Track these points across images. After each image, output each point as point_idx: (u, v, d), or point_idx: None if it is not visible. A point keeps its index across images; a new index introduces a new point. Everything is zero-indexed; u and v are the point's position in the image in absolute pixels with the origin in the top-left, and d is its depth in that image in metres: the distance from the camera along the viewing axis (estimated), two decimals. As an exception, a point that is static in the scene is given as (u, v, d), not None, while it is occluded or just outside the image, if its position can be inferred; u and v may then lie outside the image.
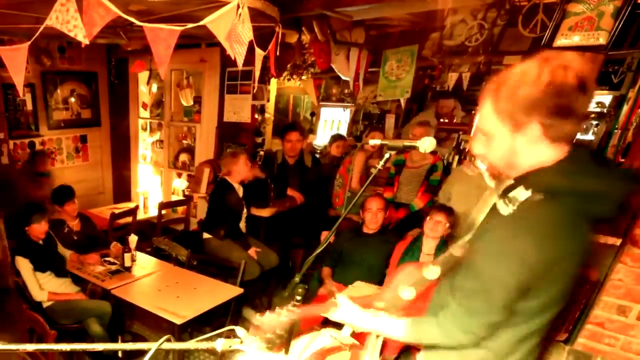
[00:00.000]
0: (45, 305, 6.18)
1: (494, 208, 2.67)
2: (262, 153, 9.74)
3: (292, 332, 2.81)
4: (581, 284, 3.79)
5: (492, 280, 2.45)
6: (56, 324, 6.01)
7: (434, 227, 5.70)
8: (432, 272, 2.89)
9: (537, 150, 2.41)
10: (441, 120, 8.84)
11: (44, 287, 6.22)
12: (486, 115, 2.48)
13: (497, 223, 2.51)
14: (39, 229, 6.31)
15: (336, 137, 9.80)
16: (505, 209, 2.50)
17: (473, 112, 8.07)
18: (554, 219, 2.35)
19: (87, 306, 6.23)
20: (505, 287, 2.42)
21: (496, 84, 2.43)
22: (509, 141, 2.44)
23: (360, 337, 4.72)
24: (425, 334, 2.79)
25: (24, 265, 6.12)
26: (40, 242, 6.30)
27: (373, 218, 6.27)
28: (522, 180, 2.50)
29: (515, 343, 2.71)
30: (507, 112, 2.38)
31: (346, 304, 3.04)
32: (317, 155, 9.39)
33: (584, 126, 2.53)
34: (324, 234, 7.36)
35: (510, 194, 2.50)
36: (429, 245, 5.79)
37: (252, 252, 7.28)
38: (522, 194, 2.45)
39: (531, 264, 2.35)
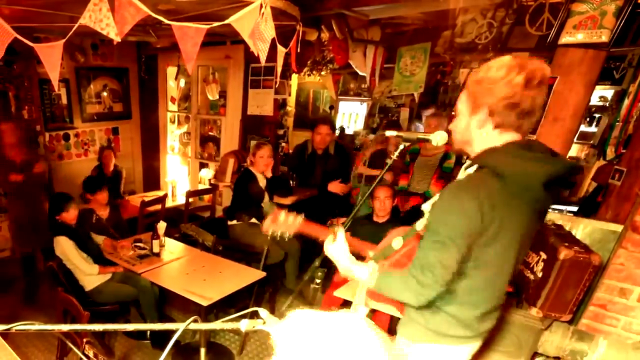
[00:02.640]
0: (90, 288, 6.22)
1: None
2: (284, 145, 9.77)
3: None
4: (582, 268, 3.81)
5: (445, 230, 2.60)
6: (100, 304, 6.14)
7: None
8: (420, 223, 3.02)
9: (485, 133, 2.69)
10: (453, 113, 8.84)
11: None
12: (461, 95, 2.81)
13: (448, 186, 2.66)
14: (68, 217, 6.36)
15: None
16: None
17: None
18: (487, 185, 2.58)
19: (131, 287, 6.30)
20: (455, 235, 2.59)
21: (474, 71, 2.74)
22: (466, 121, 2.74)
23: (376, 318, 4.76)
24: (386, 284, 2.90)
25: (67, 244, 6.11)
26: (74, 225, 6.34)
27: (382, 206, 6.30)
28: (475, 158, 2.75)
29: (463, 307, 2.91)
30: (470, 95, 2.69)
31: (341, 242, 3.13)
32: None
33: (535, 120, 2.54)
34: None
35: (467, 170, 2.74)
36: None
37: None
38: (471, 169, 2.62)
39: (470, 212, 2.54)
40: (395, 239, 3.22)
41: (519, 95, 2.47)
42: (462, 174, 2.79)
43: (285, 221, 3.42)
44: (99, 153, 10.33)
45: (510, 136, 2.64)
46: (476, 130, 2.70)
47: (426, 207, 2.91)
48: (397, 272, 2.89)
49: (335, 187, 8.07)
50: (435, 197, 2.83)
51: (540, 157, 2.61)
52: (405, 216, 6.86)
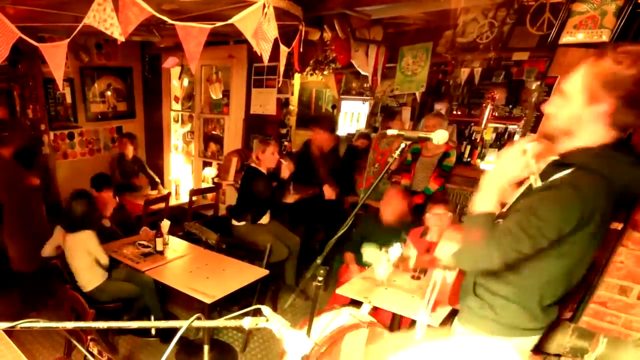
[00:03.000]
0: (89, 289, 6.21)
1: (542, 176, 2.79)
2: (287, 144, 9.79)
3: (315, 311, 2.85)
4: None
5: (545, 218, 2.59)
6: (102, 303, 6.14)
7: (437, 220, 5.69)
8: None
9: (596, 127, 2.59)
10: (454, 112, 8.85)
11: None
12: (575, 79, 2.63)
13: (552, 182, 2.64)
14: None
15: (363, 135, 9.92)
16: (554, 176, 2.68)
17: (483, 104, 8.07)
18: (594, 188, 2.52)
19: (133, 284, 6.31)
20: (551, 227, 2.58)
21: (597, 56, 2.56)
22: (579, 109, 2.60)
23: (378, 315, 4.76)
24: (464, 249, 2.96)
25: (91, 237, 6.15)
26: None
27: (392, 207, 6.27)
28: (571, 155, 2.69)
29: (536, 295, 2.92)
30: (591, 82, 2.53)
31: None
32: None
33: None
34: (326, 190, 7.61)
35: (551, 173, 2.68)
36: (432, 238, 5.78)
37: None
38: (558, 174, 2.60)
39: (571, 214, 2.53)
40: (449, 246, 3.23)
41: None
42: (548, 171, 2.75)
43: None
44: (118, 141, 10.62)
45: (612, 135, 2.60)
46: (588, 123, 2.62)
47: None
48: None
49: (327, 190, 8.12)
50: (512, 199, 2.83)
51: (635, 162, 2.60)
52: (414, 214, 6.86)
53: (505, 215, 2.88)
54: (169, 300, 7.08)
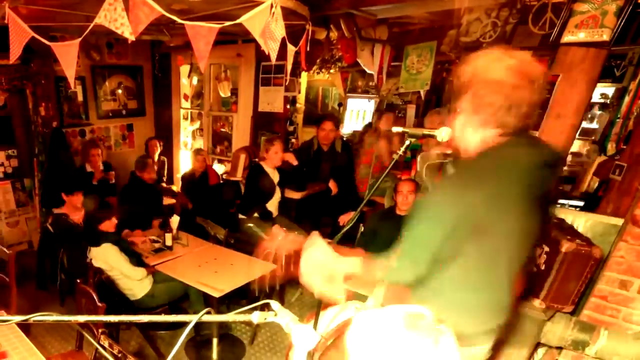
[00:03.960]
0: (140, 296, 6.15)
1: None
2: (294, 141, 9.80)
3: (321, 305, 2.87)
4: (584, 260, 3.83)
5: (417, 231, 2.74)
6: (153, 309, 6.15)
7: None
8: None
9: (484, 133, 2.64)
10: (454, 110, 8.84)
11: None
12: (464, 94, 2.67)
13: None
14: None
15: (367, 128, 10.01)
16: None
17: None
18: (460, 182, 2.63)
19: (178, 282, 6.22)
20: (425, 238, 2.69)
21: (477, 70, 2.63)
22: (461, 125, 2.71)
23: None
24: (374, 268, 3.00)
25: (112, 251, 5.99)
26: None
27: (404, 200, 6.28)
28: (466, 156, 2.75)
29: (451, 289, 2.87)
30: (474, 96, 2.59)
31: (319, 243, 3.12)
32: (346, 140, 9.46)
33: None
34: (341, 218, 7.60)
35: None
36: None
37: (275, 228, 7.31)
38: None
39: (443, 216, 2.57)
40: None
41: (519, 98, 2.43)
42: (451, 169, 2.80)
43: (283, 240, 3.39)
44: (145, 143, 10.61)
45: (503, 133, 2.60)
46: (474, 130, 2.66)
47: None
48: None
49: (332, 185, 8.19)
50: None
51: (527, 142, 2.64)
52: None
53: None
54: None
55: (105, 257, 6.01)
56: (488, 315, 2.97)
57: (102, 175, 8.89)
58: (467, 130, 2.67)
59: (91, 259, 6.12)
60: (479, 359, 3.12)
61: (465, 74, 2.61)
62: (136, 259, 6.29)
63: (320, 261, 3.10)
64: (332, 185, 8.14)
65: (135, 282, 6.08)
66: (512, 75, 2.44)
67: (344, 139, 9.44)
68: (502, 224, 2.61)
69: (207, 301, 5.94)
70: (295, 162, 7.68)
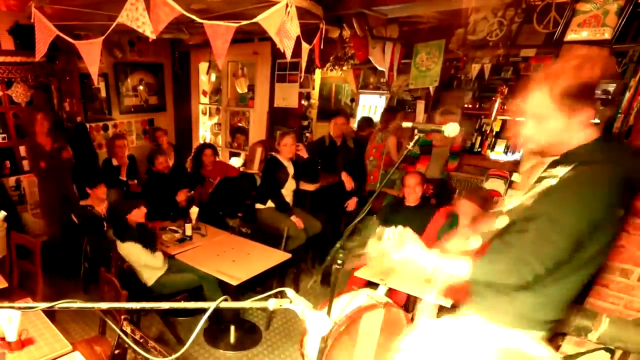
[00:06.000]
0: (151, 282, 6.12)
1: (537, 183, 2.74)
2: (308, 135, 9.81)
3: (334, 292, 2.86)
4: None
5: (569, 227, 2.50)
6: (167, 297, 6.10)
7: (465, 209, 5.70)
8: (502, 220, 2.90)
9: (585, 130, 2.57)
10: (465, 105, 8.85)
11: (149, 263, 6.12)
12: (539, 102, 2.58)
13: (550, 190, 2.58)
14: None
15: (366, 122, 10.19)
16: (550, 182, 2.60)
17: (493, 98, 8.06)
18: (597, 178, 2.46)
19: (192, 274, 6.21)
20: (576, 234, 2.50)
21: (550, 75, 2.53)
22: (564, 123, 2.56)
23: (393, 296, 4.77)
24: (495, 269, 2.75)
25: (134, 249, 5.98)
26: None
27: (411, 192, 6.35)
28: (566, 156, 2.64)
29: (561, 290, 2.81)
30: (564, 99, 2.49)
31: (411, 243, 3.02)
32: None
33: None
34: (348, 203, 8.02)
35: (553, 170, 2.63)
36: (462, 222, 5.80)
37: (294, 219, 7.39)
38: (561, 170, 2.56)
39: (596, 208, 2.46)
40: (473, 238, 3.15)
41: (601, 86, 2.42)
42: (550, 172, 2.71)
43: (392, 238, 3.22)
44: (150, 134, 10.82)
45: (595, 131, 2.59)
46: (577, 130, 2.59)
47: (507, 207, 2.87)
48: (498, 256, 2.80)
49: (346, 178, 8.18)
50: (515, 200, 2.78)
51: (630, 149, 2.62)
52: (432, 201, 6.87)
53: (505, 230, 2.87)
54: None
55: (128, 254, 6.04)
56: (561, 313, 2.94)
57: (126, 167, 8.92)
58: (573, 129, 2.59)
59: (116, 248, 6.15)
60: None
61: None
62: (153, 245, 6.30)
63: (413, 263, 2.99)
64: (345, 179, 8.14)
65: (146, 273, 6.10)
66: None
67: (355, 132, 9.45)
68: (612, 230, 2.62)
69: (224, 289, 5.96)
70: (305, 155, 7.71)
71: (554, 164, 2.71)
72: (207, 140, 12.11)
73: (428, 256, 2.92)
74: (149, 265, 6.04)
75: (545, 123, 2.62)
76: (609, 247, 2.71)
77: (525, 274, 2.61)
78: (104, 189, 7.18)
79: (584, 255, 2.64)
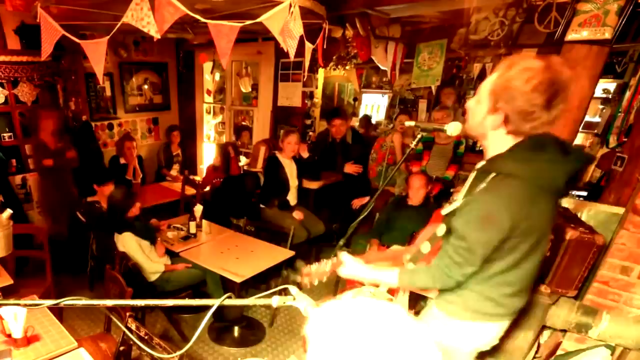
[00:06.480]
0: (153, 279, 6.12)
1: (471, 181, 2.87)
2: (311, 134, 9.83)
3: (337, 289, 2.90)
4: (587, 247, 3.84)
5: (474, 241, 2.66)
6: (170, 293, 6.09)
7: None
8: (440, 229, 3.05)
9: (498, 134, 2.67)
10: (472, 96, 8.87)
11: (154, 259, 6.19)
12: (486, 84, 2.66)
13: (473, 196, 2.70)
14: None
15: (365, 120, 10.38)
16: (479, 186, 2.69)
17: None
18: (512, 191, 2.58)
19: (196, 269, 6.22)
20: (484, 245, 2.66)
21: (507, 66, 2.54)
22: (482, 116, 2.66)
23: (394, 293, 4.80)
24: (417, 279, 3.02)
25: (130, 241, 6.03)
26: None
27: (415, 193, 6.42)
28: (490, 163, 2.75)
29: (495, 286, 2.93)
30: (494, 94, 2.56)
31: (349, 261, 3.24)
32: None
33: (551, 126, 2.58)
34: (355, 202, 7.92)
35: (481, 176, 2.76)
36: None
37: (295, 214, 7.45)
38: (485, 179, 2.65)
39: (501, 224, 2.57)
40: (423, 244, 3.28)
41: (538, 112, 2.42)
42: (477, 177, 2.77)
43: (317, 270, 3.47)
44: (166, 133, 10.78)
45: (518, 139, 2.65)
46: (489, 130, 2.68)
47: (445, 211, 2.95)
48: (421, 266, 3.07)
49: (349, 168, 8.19)
50: (457, 203, 2.84)
51: (554, 158, 2.61)
52: (434, 201, 6.88)
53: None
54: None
55: (124, 244, 6.04)
56: (514, 302, 3.05)
57: (135, 168, 8.94)
58: (486, 126, 2.68)
59: (117, 245, 6.16)
60: (494, 333, 3.21)
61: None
62: (152, 240, 6.37)
63: (357, 278, 3.25)
64: (349, 168, 8.17)
65: (148, 268, 6.08)
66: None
67: (355, 129, 9.45)
68: (541, 222, 2.69)
69: (227, 287, 5.98)
70: (305, 154, 7.75)
71: (481, 169, 2.84)
72: (212, 139, 12.19)
73: (364, 270, 3.21)
74: (148, 257, 6.08)
75: (477, 105, 2.72)
76: (538, 249, 2.81)
77: (447, 282, 2.88)
78: (112, 187, 7.18)
79: (504, 262, 2.80)
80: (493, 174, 2.62)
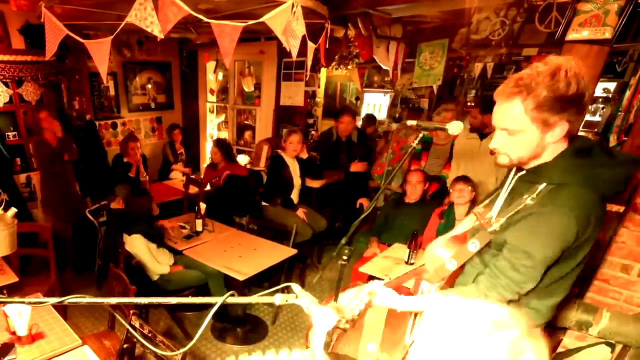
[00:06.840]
0: (155, 277, 6.11)
1: (514, 190, 2.73)
2: (313, 133, 9.84)
3: (340, 288, 2.87)
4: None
5: (541, 258, 2.51)
6: (172, 292, 6.06)
7: (460, 195, 5.83)
8: (473, 245, 2.88)
9: (557, 144, 2.52)
10: (468, 103, 8.86)
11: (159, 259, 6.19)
12: (516, 117, 2.47)
13: (527, 212, 2.57)
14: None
15: (369, 120, 10.50)
16: (525, 196, 2.60)
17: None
18: (576, 201, 2.42)
19: (198, 271, 6.20)
20: (550, 260, 2.52)
21: (522, 85, 2.40)
22: (538, 138, 2.47)
23: (398, 289, 4.78)
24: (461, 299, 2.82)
25: (140, 243, 6.01)
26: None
27: (413, 189, 6.45)
28: (535, 172, 2.62)
29: (543, 297, 2.82)
30: (538, 115, 2.39)
31: (383, 292, 3.02)
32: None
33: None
34: (361, 200, 7.83)
35: (523, 187, 2.67)
36: (460, 211, 5.90)
37: (300, 213, 7.45)
38: (531, 190, 2.57)
39: (570, 237, 2.44)
40: (449, 261, 3.14)
41: (587, 99, 2.35)
42: (519, 187, 2.67)
43: (349, 305, 3.27)
44: (167, 132, 10.90)
45: (564, 142, 2.55)
46: (551, 144, 2.52)
47: (492, 228, 2.79)
48: (466, 289, 2.89)
49: (356, 166, 8.18)
50: (496, 215, 2.76)
51: (603, 162, 2.51)
52: (430, 199, 6.88)
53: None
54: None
55: (133, 246, 6.03)
56: (551, 313, 2.96)
57: (139, 167, 8.93)
58: (547, 143, 2.52)
59: (124, 243, 6.17)
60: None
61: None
62: (159, 241, 6.37)
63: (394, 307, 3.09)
64: (355, 166, 8.17)
65: (152, 267, 6.08)
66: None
67: (360, 128, 9.43)
68: (596, 230, 2.56)
69: (230, 285, 5.98)
70: (305, 155, 7.82)
71: (523, 178, 2.72)
72: (215, 138, 12.10)
73: (401, 300, 3.02)
74: (154, 259, 6.07)
75: (517, 136, 2.53)
76: (585, 258, 2.69)
77: (502, 301, 2.65)
78: (127, 191, 7.20)
79: (557, 272, 2.68)
80: (543, 184, 2.54)
